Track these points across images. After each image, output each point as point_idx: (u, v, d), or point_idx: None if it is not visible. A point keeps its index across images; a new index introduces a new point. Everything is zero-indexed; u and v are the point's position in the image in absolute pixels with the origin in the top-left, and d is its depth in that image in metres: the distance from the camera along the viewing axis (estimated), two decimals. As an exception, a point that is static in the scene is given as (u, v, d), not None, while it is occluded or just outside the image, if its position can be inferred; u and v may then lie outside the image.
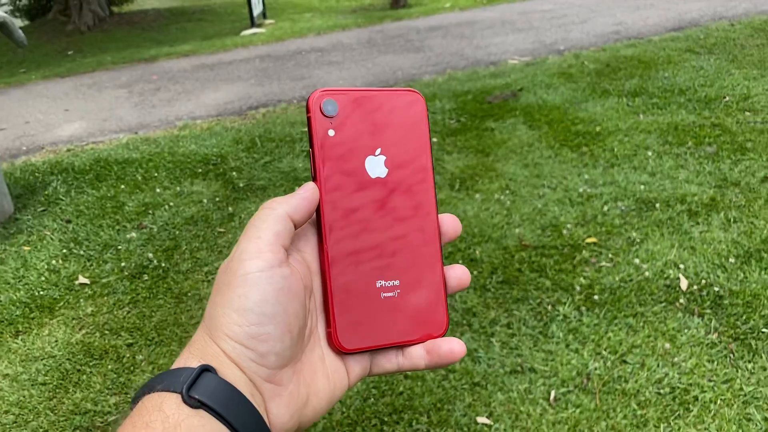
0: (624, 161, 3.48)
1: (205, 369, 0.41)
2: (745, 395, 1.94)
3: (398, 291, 0.50)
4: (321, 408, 0.48)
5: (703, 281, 2.46)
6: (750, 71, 4.70)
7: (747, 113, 3.96)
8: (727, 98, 4.22)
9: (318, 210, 0.49)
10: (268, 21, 11.05)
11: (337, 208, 0.49)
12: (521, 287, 2.57)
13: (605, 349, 2.18)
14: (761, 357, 2.08)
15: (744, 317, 2.26)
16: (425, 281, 0.51)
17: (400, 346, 0.51)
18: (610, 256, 2.70)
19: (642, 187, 3.18)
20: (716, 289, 2.41)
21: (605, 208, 3.05)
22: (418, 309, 0.51)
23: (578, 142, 3.78)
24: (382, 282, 0.50)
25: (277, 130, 4.61)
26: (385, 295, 0.50)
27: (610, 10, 7.26)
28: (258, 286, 0.43)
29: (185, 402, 0.40)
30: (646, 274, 2.55)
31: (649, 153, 3.53)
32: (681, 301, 2.39)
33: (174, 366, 0.43)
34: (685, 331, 2.24)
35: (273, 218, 0.46)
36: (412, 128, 0.52)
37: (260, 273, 0.43)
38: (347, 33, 8.51)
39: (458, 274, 0.52)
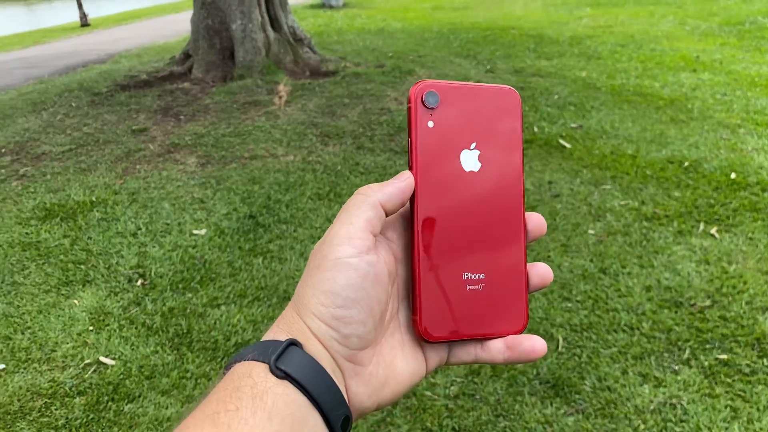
0: None
1: (292, 343, 0.45)
2: None
3: (483, 284, 0.51)
4: (399, 391, 0.50)
5: None
6: None
7: None
8: None
9: (412, 199, 0.50)
10: None
11: (430, 198, 0.50)
12: None
13: None
14: None
15: None
16: (509, 277, 0.52)
17: (481, 339, 0.52)
18: None
19: None
20: None
21: None
22: (500, 303, 0.51)
23: None
24: (469, 275, 0.50)
25: None
26: (471, 287, 0.51)
27: None
28: (345, 271, 0.46)
29: (272, 372, 0.43)
30: None
31: None
32: None
33: (264, 338, 0.47)
34: None
35: (366, 205, 0.48)
36: (506, 125, 0.52)
37: (349, 258, 0.46)
38: None
39: (541, 272, 0.53)
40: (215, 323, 2.75)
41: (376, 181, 4.08)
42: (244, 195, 4.00)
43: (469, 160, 0.51)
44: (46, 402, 2.39)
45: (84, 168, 4.62)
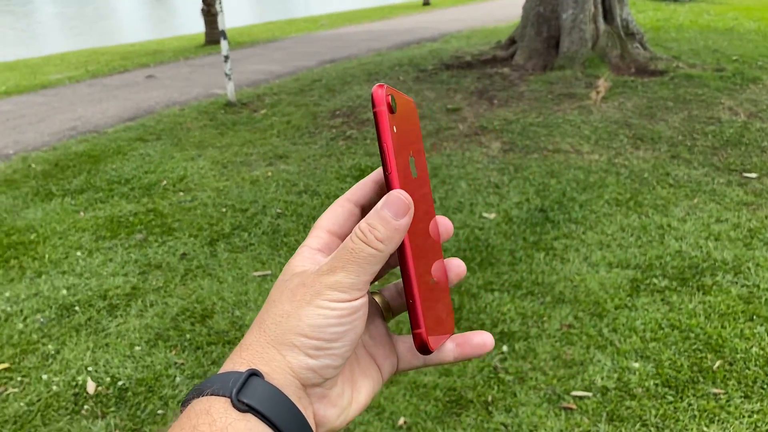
0: (53, 267, 3.34)
1: (253, 373, 0.43)
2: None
3: (438, 287, 0.51)
4: (363, 404, 0.50)
5: (110, 378, 2.47)
6: (190, 152, 5.12)
7: (181, 193, 4.27)
8: (165, 182, 4.49)
9: None
10: None
11: None
12: None
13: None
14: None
15: (144, 405, 2.32)
16: (443, 277, 0.52)
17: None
18: (20, 379, 2.50)
19: (65, 291, 3.08)
20: (121, 382, 2.44)
21: (23, 324, 2.85)
22: (445, 303, 0.52)
23: (8, 256, 3.50)
24: (432, 279, 0.50)
25: None
26: (435, 291, 0.50)
27: (71, 106, 7.17)
28: (338, 311, 0.44)
29: (234, 406, 0.41)
30: (55, 388, 2.43)
31: (79, 253, 3.47)
32: (87, 406, 2.34)
33: (222, 370, 0.45)
34: (87, 439, 2.19)
35: (380, 259, 0.45)
36: (417, 132, 0.53)
37: (346, 303, 0.45)
38: None
39: (454, 267, 0.53)
40: (486, 307, 2.79)
41: (686, 196, 3.71)
42: (540, 187, 3.95)
43: (412, 167, 0.50)
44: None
45: (399, 137, 5.02)
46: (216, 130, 5.74)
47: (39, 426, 2.26)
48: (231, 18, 11.47)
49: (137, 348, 2.64)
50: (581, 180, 4.02)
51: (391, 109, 0.47)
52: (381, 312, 0.54)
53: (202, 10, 11.71)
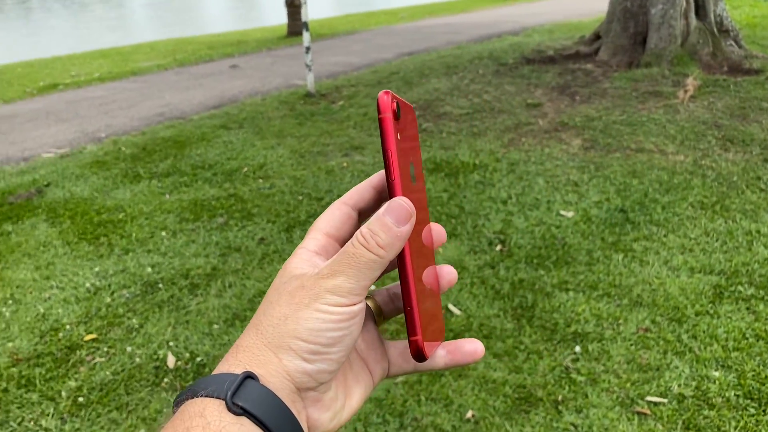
0: (139, 245, 3.51)
1: (248, 376, 0.43)
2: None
3: (434, 295, 0.52)
4: (355, 408, 0.50)
5: (189, 354, 2.57)
6: (270, 141, 5.25)
7: (260, 180, 4.38)
8: (246, 168, 4.62)
9: None
10: None
11: None
12: (3, 409, 2.35)
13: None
14: None
15: (220, 380, 2.42)
16: (436, 284, 0.53)
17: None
18: (106, 349, 2.65)
19: (150, 269, 3.23)
20: (199, 358, 2.54)
21: (111, 298, 3.01)
22: (437, 310, 0.53)
23: (98, 233, 3.70)
24: (428, 287, 0.51)
25: None
26: (431, 299, 0.51)
27: (160, 93, 7.49)
28: (337, 315, 0.44)
29: (229, 409, 0.41)
30: (138, 360, 2.56)
31: (164, 233, 3.63)
32: (167, 379, 2.45)
33: (217, 371, 0.44)
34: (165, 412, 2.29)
35: (379, 265, 0.45)
36: (417, 139, 0.53)
37: (344, 308, 0.45)
38: None
39: (445, 273, 0.54)
40: (559, 306, 2.74)
41: (779, 201, 3.54)
42: (620, 187, 3.85)
43: (411, 173, 0.50)
44: (397, 329, 2.71)
45: (475, 132, 4.98)
46: (295, 120, 5.86)
47: (122, 395, 2.39)
48: (313, 10, 11.65)
49: (215, 326, 2.74)
50: (665, 181, 3.88)
51: (396, 116, 0.47)
52: (373, 316, 0.54)
53: (286, 1, 11.94)
